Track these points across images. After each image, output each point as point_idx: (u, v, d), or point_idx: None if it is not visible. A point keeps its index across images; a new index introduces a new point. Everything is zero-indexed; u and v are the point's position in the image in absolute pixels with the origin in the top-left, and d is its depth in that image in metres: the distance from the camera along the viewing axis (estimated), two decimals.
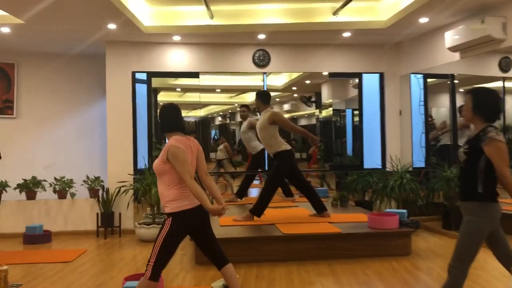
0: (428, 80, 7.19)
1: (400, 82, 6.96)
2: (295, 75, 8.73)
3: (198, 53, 6.62)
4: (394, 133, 6.96)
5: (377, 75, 7.02)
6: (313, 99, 10.06)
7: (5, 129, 6.87)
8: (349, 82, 8.86)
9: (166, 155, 2.98)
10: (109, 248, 5.59)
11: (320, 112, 8.89)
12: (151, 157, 6.52)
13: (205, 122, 10.20)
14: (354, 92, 8.40)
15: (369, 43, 6.78)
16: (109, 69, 6.40)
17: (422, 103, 7.17)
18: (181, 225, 3.01)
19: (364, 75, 7.03)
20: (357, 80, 7.56)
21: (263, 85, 6.99)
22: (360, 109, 7.14)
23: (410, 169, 6.61)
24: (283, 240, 4.69)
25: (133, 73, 6.50)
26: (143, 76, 6.61)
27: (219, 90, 9.63)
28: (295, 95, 10.41)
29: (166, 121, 3.13)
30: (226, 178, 8.46)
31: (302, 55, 6.79)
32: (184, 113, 8.79)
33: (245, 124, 6.91)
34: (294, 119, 9.25)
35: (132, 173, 6.29)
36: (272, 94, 7.71)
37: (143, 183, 5.92)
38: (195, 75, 6.67)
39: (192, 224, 3.06)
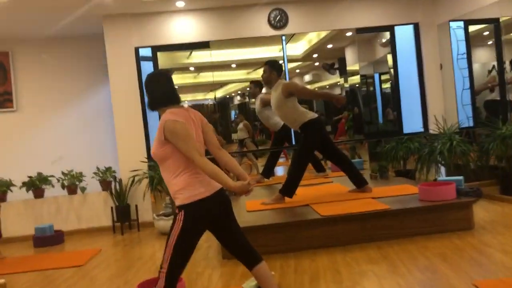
0: (470, 28, 6.31)
1: (438, 32, 6.09)
2: (315, 40, 7.94)
3: (206, 19, 5.88)
4: (436, 90, 6.13)
5: (411, 27, 6.16)
6: (336, 66, 9.26)
7: (6, 123, 6.30)
8: (376, 40, 8.00)
9: (163, 134, 2.31)
10: (127, 245, 5.01)
11: (346, 80, 8.09)
12: None
13: (223, 104, 9.51)
14: (382, 52, 7.56)
15: None
16: (109, 47, 5.73)
17: (465, 55, 6.30)
18: (197, 219, 2.35)
19: (396, 28, 6.18)
20: (386, 37, 6.73)
21: (283, 52, 6.24)
22: (395, 67, 6.30)
23: (457, 130, 5.80)
24: (322, 223, 3.99)
25: (136, 50, 5.82)
26: (148, 52, 5.92)
27: (234, 66, 8.93)
28: (316, 63, 9.63)
29: (155, 93, 2.44)
30: (250, 158, 7.85)
31: (324, 11, 5.98)
32: (200, 96, 7.91)
33: (257, 102, 6.18)
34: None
35: (145, 160, 5.66)
36: (291, 65, 6.97)
37: (158, 170, 5.27)
38: (205, 45, 5.95)
39: (210, 216, 2.40)
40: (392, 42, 6.22)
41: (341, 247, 3.89)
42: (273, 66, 4.74)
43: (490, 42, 6.53)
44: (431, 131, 5.88)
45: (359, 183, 4.83)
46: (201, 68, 9.02)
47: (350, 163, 4.87)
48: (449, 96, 6.11)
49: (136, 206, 5.60)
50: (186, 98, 9.92)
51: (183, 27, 5.86)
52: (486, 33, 6.56)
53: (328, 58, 9.20)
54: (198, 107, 10.06)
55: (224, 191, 2.46)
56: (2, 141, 6.24)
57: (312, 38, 7.94)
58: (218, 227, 2.47)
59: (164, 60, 7.04)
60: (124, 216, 5.54)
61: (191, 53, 7.90)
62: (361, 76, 7.72)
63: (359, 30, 6.19)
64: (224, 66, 8.84)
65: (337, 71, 9.39)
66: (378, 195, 4.65)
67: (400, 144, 6.35)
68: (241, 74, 9.12)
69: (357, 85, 7.43)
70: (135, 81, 5.78)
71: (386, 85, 7.49)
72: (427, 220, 4.06)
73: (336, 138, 7.66)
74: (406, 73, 6.24)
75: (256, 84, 6.23)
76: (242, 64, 8.38)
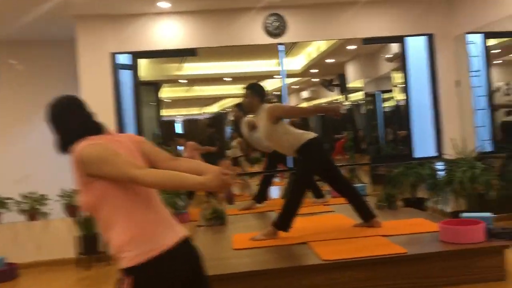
0: (490, 41, 5.66)
1: (454, 45, 5.42)
2: (314, 54, 7.31)
3: (194, 24, 5.19)
4: (451, 110, 5.44)
5: (424, 38, 5.49)
6: (335, 82, 8.62)
7: None
8: (379, 55, 7.36)
9: (82, 170, 1.61)
10: (92, 283, 4.23)
11: (346, 98, 7.39)
12: None
13: (218, 119, 8.90)
14: (387, 68, 6.90)
15: None
16: (81, 52, 5.02)
17: (482, 72, 5.64)
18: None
19: (407, 40, 5.51)
20: (393, 51, 6.08)
21: (280, 63, 5.55)
22: (405, 83, 5.62)
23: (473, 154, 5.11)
24: (323, 270, 3.24)
25: (113, 56, 5.10)
26: (127, 60, 5.21)
27: (230, 79, 8.29)
28: (315, 79, 8.99)
29: (69, 124, 1.74)
30: (242, 177, 7.15)
31: (327, 18, 5.30)
32: (195, 110, 7.00)
33: (243, 127, 5.51)
34: None
35: None
36: (288, 80, 6.34)
37: None
38: (191, 52, 5.24)
39: (173, 281, 1.67)
40: (403, 55, 5.53)
41: None
42: (254, 90, 4.08)
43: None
44: (446, 156, 5.16)
45: (367, 217, 4.10)
46: (193, 81, 8.30)
47: (356, 192, 4.15)
48: (466, 117, 5.42)
49: None
50: (180, 113, 9.22)
51: (167, 31, 5.17)
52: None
53: (328, 74, 8.55)
54: (192, 122, 9.34)
55: (189, 241, 1.74)
56: None
57: (312, 51, 7.30)
58: None
59: (151, 71, 6.35)
60: (91, 248, 4.76)
61: (181, 64, 7.21)
62: (364, 93, 7.07)
63: (366, 41, 5.51)
64: (218, 79, 8.18)
65: (336, 88, 8.73)
66: (389, 232, 3.91)
67: (410, 170, 5.65)
68: (237, 88, 8.45)
69: (357, 104, 6.77)
70: (110, 92, 5.06)
71: (390, 103, 6.84)
72: (450, 268, 3.32)
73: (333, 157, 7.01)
74: (418, 90, 5.55)
75: (240, 108, 5.55)
76: (238, 78, 7.73)
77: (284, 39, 5.28)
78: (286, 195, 4.02)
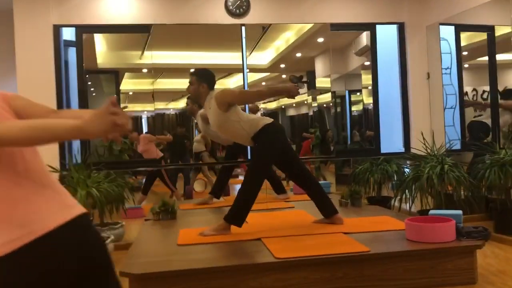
0: (462, 35, 5.41)
1: (426, 35, 5.14)
2: (283, 47, 6.96)
3: None
4: (421, 104, 5.16)
5: (395, 27, 5.19)
6: (304, 79, 8.31)
7: None
8: (350, 51, 7.07)
9: None
10: None
11: (314, 99, 6.98)
12: (89, 150, 4.65)
13: (185, 115, 8.41)
14: (355, 63, 6.60)
15: None
16: (18, 24, 4.46)
17: (454, 67, 5.39)
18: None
19: (378, 27, 5.20)
20: (362, 43, 5.77)
21: (242, 51, 5.16)
22: (374, 73, 5.32)
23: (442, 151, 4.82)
24: (275, 269, 2.84)
25: (56, 28, 4.57)
26: (71, 35, 4.69)
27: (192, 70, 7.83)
28: (284, 76, 8.65)
29: None
30: (205, 173, 6.70)
31: (294, 0, 4.93)
32: (162, 105, 6.45)
33: (199, 120, 5.10)
34: (283, 110, 7.43)
35: (56, 169, 4.38)
36: (256, 75, 6.01)
37: (67, 182, 4.02)
38: (144, 29, 4.78)
39: (54, 279, 1.23)
40: (372, 44, 5.23)
41: None
42: (201, 76, 3.66)
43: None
44: (414, 151, 4.85)
45: (328, 212, 3.73)
46: (157, 72, 7.78)
47: (318, 185, 3.79)
48: (437, 112, 5.15)
49: None
50: (145, 108, 8.59)
51: (119, 3, 4.68)
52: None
53: (297, 69, 8.21)
54: (159, 116, 8.70)
55: (84, 223, 1.31)
56: None
57: (280, 45, 6.95)
58: None
59: (110, 59, 5.81)
60: None
61: (143, 52, 6.70)
62: (332, 93, 6.65)
63: (334, 26, 5.17)
64: (184, 71, 7.69)
65: (305, 85, 8.41)
66: (352, 229, 3.56)
67: (376, 166, 5.35)
68: None
69: (325, 105, 6.39)
70: (51, 70, 4.53)
71: (357, 107, 6.45)
72: (417, 269, 2.99)
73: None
74: (387, 82, 5.25)
75: (193, 100, 5.12)
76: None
77: (247, 19, 4.90)
78: (240, 188, 3.59)
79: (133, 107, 7.77)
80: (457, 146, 5.17)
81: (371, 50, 5.26)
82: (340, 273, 2.90)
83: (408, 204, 4.52)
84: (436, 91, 5.13)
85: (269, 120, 3.61)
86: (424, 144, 4.44)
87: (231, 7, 4.84)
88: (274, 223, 3.94)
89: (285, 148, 3.64)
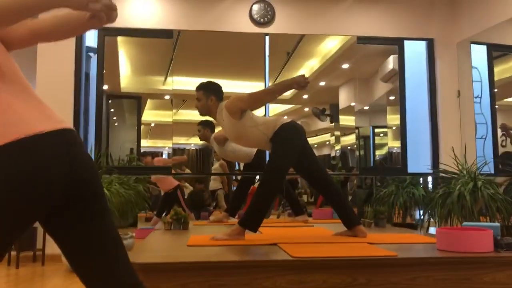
0: (495, 54, 5.20)
1: (457, 52, 4.96)
2: (306, 75, 6.87)
3: (172, 2, 4.69)
4: (451, 123, 4.92)
5: (422, 44, 5.03)
6: (327, 112, 8.17)
7: None
8: (375, 78, 6.93)
9: None
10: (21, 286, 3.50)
11: (337, 140, 6.64)
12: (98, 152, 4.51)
13: (206, 150, 8.24)
14: (381, 91, 6.40)
15: None
16: None
17: (485, 95, 5.15)
18: (13, 192, 1.04)
19: (406, 43, 5.05)
20: (388, 68, 5.62)
21: (265, 56, 5.05)
22: (402, 90, 5.12)
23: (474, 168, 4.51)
24: (292, 269, 2.57)
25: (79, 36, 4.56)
26: (94, 41, 4.67)
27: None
28: (306, 109, 8.53)
29: None
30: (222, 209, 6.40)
31: (320, 11, 4.88)
32: (183, 140, 6.23)
33: (214, 145, 4.89)
34: None
35: None
36: (277, 108, 5.91)
37: None
38: (167, 34, 4.73)
39: (44, 185, 1.06)
40: (400, 59, 5.06)
41: None
42: (208, 89, 3.51)
43: None
44: (444, 168, 4.55)
45: (350, 222, 3.46)
46: (179, 100, 7.72)
47: (341, 193, 3.53)
48: (468, 131, 4.88)
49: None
50: (166, 144, 8.35)
51: (142, 8, 4.66)
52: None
53: (320, 101, 8.09)
54: (179, 152, 8.49)
55: (74, 138, 1.16)
56: None
57: (304, 73, 6.87)
58: (60, 219, 1.13)
59: (133, 84, 5.73)
60: (25, 243, 4.04)
61: (166, 78, 6.65)
62: (356, 133, 6.26)
63: (361, 40, 5.04)
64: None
65: (328, 118, 8.25)
66: (377, 240, 3.27)
67: (401, 189, 5.07)
68: None
69: (349, 147, 6.03)
70: (71, 74, 4.46)
71: (381, 151, 5.96)
72: (449, 279, 2.66)
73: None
74: (415, 100, 5.04)
75: (204, 125, 4.92)
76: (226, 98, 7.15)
77: (272, 29, 4.81)
78: (255, 192, 3.36)
79: (155, 143, 7.50)
80: (491, 169, 4.85)
81: (399, 67, 5.10)
82: (363, 279, 2.60)
83: (437, 225, 4.20)
84: (467, 109, 4.89)
85: (287, 119, 3.43)
86: (456, 160, 4.16)
87: (255, 16, 4.77)
88: (291, 235, 3.68)
89: (306, 148, 3.43)
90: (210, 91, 3.50)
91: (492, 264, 2.70)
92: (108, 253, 1.16)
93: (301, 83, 3.23)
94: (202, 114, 3.67)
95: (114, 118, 6.01)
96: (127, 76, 5.64)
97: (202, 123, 4.89)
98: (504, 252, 2.76)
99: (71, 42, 4.46)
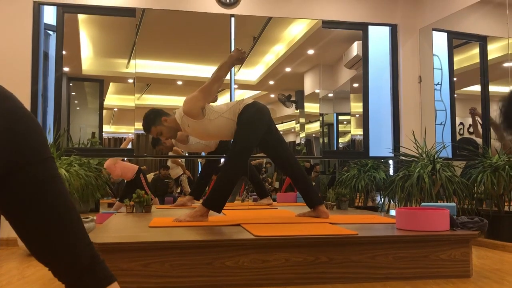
0: (456, 43, 5.32)
1: (419, 38, 5.05)
2: (272, 61, 6.85)
3: None
4: (412, 109, 5.01)
5: (387, 29, 5.09)
6: (293, 98, 8.19)
7: None
8: (341, 63, 6.97)
9: None
10: None
11: (301, 128, 6.60)
12: (57, 133, 4.36)
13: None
14: (346, 76, 6.45)
15: None
16: None
17: (445, 78, 5.27)
18: None
19: (371, 28, 5.09)
20: (352, 54, 5.66)
21: (231, 39, 4.99)
22: (365, 74, 5.17)
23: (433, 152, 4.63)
24: (254, 248, 2.57)
25: (37, 6, 4.37)
26: (53, 19, 4.47)
27: (180, 83, 7.59)
28: (272, 95, 8.52)
29: None
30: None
31: None
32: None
33: (179, 146, 4.80)
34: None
35: None
36: (245, 94, 5.87)
37: None
38: (129, 12, 4.60)
39: None
40: (364, 44, 5.11)
41: None
42: (155, 118, 3.46)
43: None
44: (404, 152, 4.66)
45: (313, 202, 3.50)
46: (144, 82, 7.53)
47: (304, 172, 3.55)
48: (428, 117, 5.00)
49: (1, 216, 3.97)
50: (130, 130, 8.07)
51: None
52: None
53: (286, 88, 8.09)
54: (143, 137, 8.28)
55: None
56: None
57: (270, 60, 6.83)
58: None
59: (95, 66, 5.55)
60: None
61: (129, 61, 6.46)
62: (320, 121, 6.25)
63: (326, 24, 5.05)
64: (170, 83, 7.46)
65: (294, 104, 8.28)
66: (339, 221, 3.32)
67: (363, 173, 5.16)
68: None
69: (314, 134, 6.02)
70: (28, 52, 4.28)
71: (344, 138, 5.98)
72: (408, 258, 2.74)
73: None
74: (377, 87, 5.11)
75: (166, 137, 4.74)
76: (190, 83, 7.01)
77: (237, 10, 4.75)
78: (219, 172, 3.34)
79: (118, 129, 7.23)
80: (449, 153, 4.99)
81: (363, 52, 5.14)
82: (325, 257, 2.64)
83: (396, 207, 4.30)
84: (428, 95, 5.00)
85: (249, 100, 3.42)
86: (415, 144, 4.26)
87: None
88: (255, 216, 3.69)
89: (271, 128, 3.43)
90: (157, 117, 3.45)
91: (448, 242, 2.78)
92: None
93: (239, 57, 3.27)
94: (173, 137, 3.62)
95: (76, 102, 5.81)
96: (89, 58, 5.45)
97: (146, 128, 4.60)
98: (459, 230, 2.86)
99: (27, 18, 4.26)
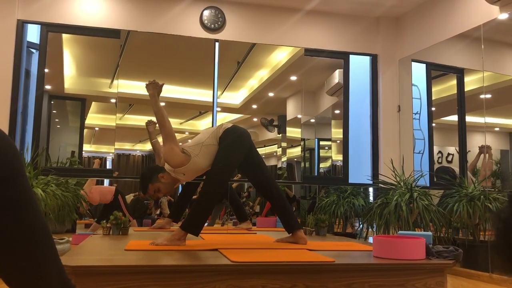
0: (434, 73, 5.46)
1: (399, 69, 5.17)
2: (255, 86, 6.93)
3: (121, 2, 4.60)
4: (391, 137, 5.10)
5: (368, 58, 5.21)
6: (275, 122, 8.27)
7: None
8: (322, 90, 7.09)
9: None
10: None
11: (283, 152, 6.65)
12: (35, 152, 4.30)
13: (152, 157, 8.03)
14: (327, 104, 6.53)
15: (359, 14, 5.02)
16: None
17: (424, 108, 5.39)
18: None
19: (352, 57, 5.21)
20: (334, 81, 5.77)
21: (214, 63, 5.04)
22: (346, 103, 5.26)
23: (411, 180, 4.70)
24: (231, 273, 2.55)
25: (21, 24, 4.36)
26: (35, 35, 4.47)
27: (163, 104, 7.56)
28: (255, 119, 8.58)
29: None
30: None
31: (270, 22, 4.94)
32: (129, 146, 6.02)
33: (165, 178, 4.65)
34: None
35: None
36: (228, 118, 5.93)
37: None
38: (114, 33, 4.62)
39: None
40: (345, 73, 5.21)
41: None
42: (152, 177, 3.49)
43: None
44: (383, 180, 4.71)
45: (291, 226, 3.49)
46: (126, 103, 7.48)
47: (283, 197, 3.56)
48: (406, 145, 5.08)
49: None
50: (110, 150, 7.99)
51: (90, 6, 4.54)
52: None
53: (268, 112, 8.16)
54: (124, 158, 8.18)
55: None
56: None
57: (253, 85, 6.91)
58: None
59: (78, 85, 5.53)
60: None
61: (112, 81, 6.45)
62: (302, 146, 6.34)
63: (309, 52, 5.14)
64: (150, 106, 7.42)
65: (276, 128, 8.34)
66: (316, 247, 3.32)
67: (342, 200, 5.19)
68: (173, 123, 7.74)
69: (296, 160, 6.07)
70: (9, 70, 4.25)
71: (325, 164, 6.05)
72: (385, 286, 2.74)
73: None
74: (358, 112, 5.20)
75: (145, 186, 4.48)
76: (174, 105, 6.96)
77: (221, 35, 4.81)
78: (198, 196, 3.33)
79: (99, 148, 7.11)
80: (427, 182, 5.07)
81: (344, 80, 5.24)
82: (302, 284, 2.63)
83: (375, 234, 4.33)
84: (407, 124, 5.10)
85: (228, 124, 3.45)
86: (394, 172, 4.32)
87: (205, 21, 4.77)
88: (233, 241, 3.67)
89: (251, 151, 3.44)
90: (153, 175, 3.47)
91: (424, 271, 2.80)
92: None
93: (154, 89, 3.27)
94: (170, 193, 3.65)
95: (57, 120, 5.76)
96: (71, 77, 5.44)
97: (143, 187, 3.89)
98: (435, 259, 2.89)
99: (10, 35, 4.24)
